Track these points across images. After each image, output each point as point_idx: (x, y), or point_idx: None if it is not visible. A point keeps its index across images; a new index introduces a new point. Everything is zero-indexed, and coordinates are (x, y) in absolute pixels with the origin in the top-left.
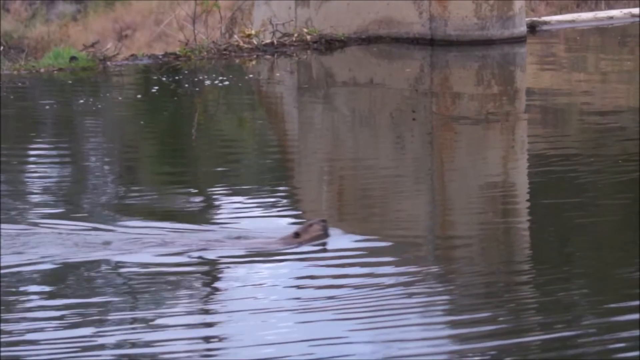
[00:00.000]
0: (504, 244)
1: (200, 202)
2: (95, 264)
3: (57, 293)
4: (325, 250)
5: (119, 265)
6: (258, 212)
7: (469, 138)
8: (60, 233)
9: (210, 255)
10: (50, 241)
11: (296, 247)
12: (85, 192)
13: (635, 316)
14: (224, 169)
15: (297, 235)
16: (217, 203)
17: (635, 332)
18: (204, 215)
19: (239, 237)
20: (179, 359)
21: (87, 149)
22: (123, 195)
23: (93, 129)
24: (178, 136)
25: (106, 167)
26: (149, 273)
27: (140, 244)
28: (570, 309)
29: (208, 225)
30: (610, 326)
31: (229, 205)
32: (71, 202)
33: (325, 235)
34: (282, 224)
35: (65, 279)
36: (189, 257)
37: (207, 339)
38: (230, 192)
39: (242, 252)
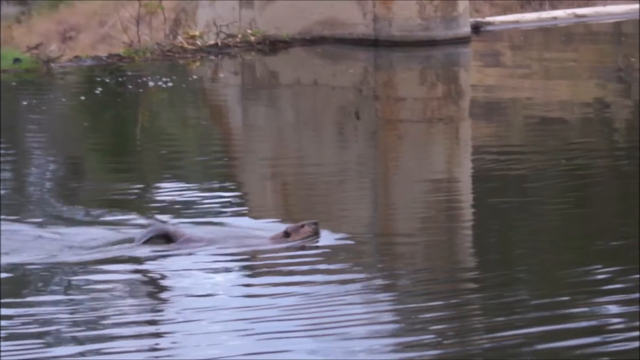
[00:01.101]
0: (449, 247)
1: (156, 201)
2: (43, 268)
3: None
4: (267, 258)
5: (66, 270)
6: (205, 213)
7: (414, 139)
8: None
9: (168, 262)
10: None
11: (285, 246)
12: (29, 194)
13: (575, 324)
14: (169, 169)
15: (287, 234)
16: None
17: (578, 341)
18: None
19: (229, 236)
20: None
21: (30, 151)
22: (68, 196)
23: (37, 131)
24: (122, 137)
25: (50, 169)
26: (97, 280)
27: (111, 245)
28: (514, 314)
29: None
30: (553, 333)
31: (184, 206)
32: (15, 203)
33: (316, 237)
34: (268, 223)
35: (8, 285)
36: (158, 260)
37: (152, 349)
38: (178, 192)
39: (230, 251)
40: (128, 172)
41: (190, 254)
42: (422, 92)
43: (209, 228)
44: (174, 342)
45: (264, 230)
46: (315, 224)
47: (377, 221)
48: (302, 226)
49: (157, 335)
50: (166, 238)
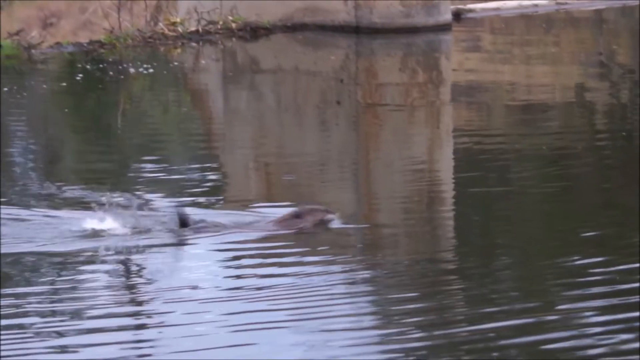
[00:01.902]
0: (431, 235)
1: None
2: (26, 258)
3: None
4: (251, 248)
5: (51, 261)
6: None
7: (395, 125)
8: None
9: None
10: None
11: (296, 230)
12: (10, 180)
13: (557, 316)
14: (150, 157)
15: (297, 216)
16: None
17: (560, 334)
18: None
19: (235, 222)
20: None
21: (11, 138)
22: (49, 185)
23: (18, 117)
24: (103, 124)
25: (31, 156)
26: (82, 271)
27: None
28: (495, 305)
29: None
30: (534, 325)
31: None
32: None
33: (325, 224)
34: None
35: None
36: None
37: (135, 341)
38: (158, 181)
39: (231, 239)
40: (109, 157)
41: (185, 244)
42: (402, 79)
43: (212, 212)
44: (157, 334)
45: (271, 215)
46: (327, 210)
47: (360, 210)
48: (313, 210)
49: (140, 327)
50: (182, 222)
